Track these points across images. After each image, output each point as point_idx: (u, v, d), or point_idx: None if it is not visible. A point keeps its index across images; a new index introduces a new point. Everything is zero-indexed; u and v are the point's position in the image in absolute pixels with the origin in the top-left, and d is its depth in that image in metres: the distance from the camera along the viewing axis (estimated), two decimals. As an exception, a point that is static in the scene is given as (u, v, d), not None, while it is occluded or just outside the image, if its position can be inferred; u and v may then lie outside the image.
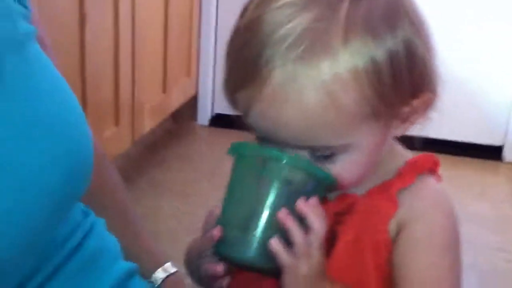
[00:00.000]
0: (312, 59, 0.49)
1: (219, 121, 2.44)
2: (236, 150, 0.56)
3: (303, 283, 0.53)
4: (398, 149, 0.61)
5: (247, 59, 0.52)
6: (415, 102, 0.55)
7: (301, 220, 0.53)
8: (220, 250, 0.55)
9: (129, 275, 0.64)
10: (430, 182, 0.59)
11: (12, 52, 0.49)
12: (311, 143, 0.52)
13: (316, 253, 0.53)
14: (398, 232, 0.56)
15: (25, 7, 0.56)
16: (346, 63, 0.50)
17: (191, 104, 2.43)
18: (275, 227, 0.52)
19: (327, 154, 0.53)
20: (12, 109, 0.47)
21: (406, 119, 0.56)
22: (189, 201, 1.71)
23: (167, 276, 0.81)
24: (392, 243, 0.56)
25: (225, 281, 0.57)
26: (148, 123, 1.83)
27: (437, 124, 2.16)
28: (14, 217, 0.46)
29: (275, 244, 0.52)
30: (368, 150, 0.54)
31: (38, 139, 0.49)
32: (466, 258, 1.54)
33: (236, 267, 0.56)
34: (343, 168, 0.54)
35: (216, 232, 0.54)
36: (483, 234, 1.70)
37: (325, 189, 0.55)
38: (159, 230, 1.50)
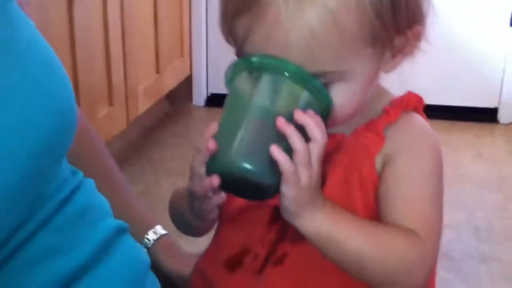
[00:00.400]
0: None
1: (214, 100, 2.45)
2: (236, 66, 0.54)
3: (302, 194, 0.52)
4: (384, 89, 0.62)
5: None
6: (408, 33, 0.56)
7: (300, 132, 0.51)
8: (214, 165, 0.52)
9: (119, 232, 0.65)
10: (415, 117, 0.60)
11: None
12: (311, 68, 0.52)
13: (316, 164, 0.52)
14: (384, 166, 0.57)
15: None
16: None
17: (186, 85, 2.44)
18: (273, 137, 0.51)
19: (324, 82, 0.53)
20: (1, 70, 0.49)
21: (396, 53, 0.57)
22: (186, 176, 1.73)
23: (159, 238, 0.82)
24: (378, 178, 0.57)
25: (221, 198, 0.55)
26: (142, 104, 1.84)
27: (434, 91, 2.20)
28: None
29: (276, 150, 0.50)
30: (362, 79, 0.55)
31: (23, 95, 0.50)
32: (462, 215, 1.57)
33: (228, 191, 0.54)
34: (338, 98, 0.54)
35: (211, 144, 0.51)
36: (480, 193, 1.72)
37: (322, 113, 0.54)
38: (157, 206, 1.52)
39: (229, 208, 0.62)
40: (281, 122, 0.50)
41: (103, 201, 0.66)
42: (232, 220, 0.63)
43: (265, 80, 0.52)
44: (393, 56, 0.57)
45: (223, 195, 0.55)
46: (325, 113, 0.54)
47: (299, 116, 0.51)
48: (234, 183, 0.52)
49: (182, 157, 1.88)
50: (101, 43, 1.53)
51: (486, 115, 2.34)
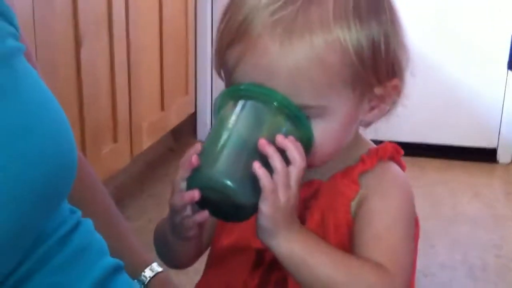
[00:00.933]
0: (304, 32, 0.55)
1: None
2: (224, 95, 0.57)
3: (279, 213, 0.53)
4: (363, 138, 0.66)
5: (240, 17, 0.56)
6: (388, 85, 0.60)
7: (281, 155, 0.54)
8: (196, 179, 0.54)
9: (115, 271, 0.67)
10: (391, 166, 0.64)
11: (1, 65, 0.55)
12: (293, 100, 0.55)
13: (294, 186, 0.54)
14: (358, 208, 0.60)
15: (14, 27, 0.62)
16: (336, 34, 0.55)
17: (191, 121, 2.49)
18: (255, 158, 0.53)
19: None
20: (2, 115, 0.53)
21: (375, 104, 0.61)
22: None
23: (155, 275, 0.84)
24: (352, 221, 0.60)
25: (202, 217, 0.56)
26: (146, 140, 1.88)
27: (433, 130, 2.25)
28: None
29: (258, 165, 0.52)
30: (340, 120, 0.58)
31: (26, 141, 0.54)
32: (457, 255, 1.59)
33: (206, 208, 0.56)
34: (316, 135, 0.57)
35: (194, 160, 0.53)
36: (475, 232, 1.73)
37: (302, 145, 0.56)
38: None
39: (216, 248, 0.65)
40: (263, 143, 0.53)
41: (101, 240, 0.69)
42: (216, 263, 0.66)
43: (251, 107, 0.55)
44: (372, 107, 0.61)
45: (205, 214, 0.56)
46: (305, 145, 0.56)
47: (281, 140, 0.54)
48: (213, 200, 0.54)
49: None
50: (107, 80, 1.58)
51: (485, 155, 2.37)
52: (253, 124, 0.55)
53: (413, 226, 0.62)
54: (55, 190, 0.58)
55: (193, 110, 2.40)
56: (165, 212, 2.03)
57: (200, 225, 0.60)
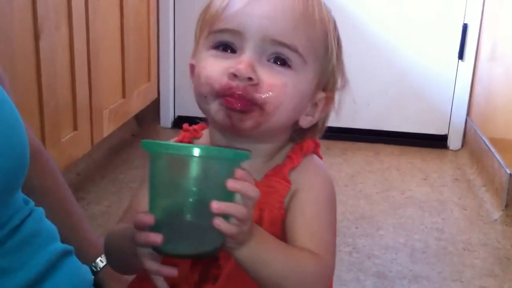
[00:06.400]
0: None
1: (181, 122, 2.53)
2: (149, 148, 0.56)
3: (243, 237, 0.57)
4: (288, 139, 0.73)
5: None
6: (326, 94, 0.69)
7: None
8: (161, 250, 0.56)
9: (64, 254, 0.73)
10: (313, 159, 0.71)
11: None
12: (290, 41, 0.63)
13: (252, 212, 0.57)
14: (289, 201, 0.67)
15: None
16: (327, 19, 0.67)
17: (154, 107, 2.53)
18: (212, 214, 0.54)
19: (280, 60, 0.64)
20: None
21: (309, 113, 0.69)
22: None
23: (105, 265, 0.90)
24: (285, 213, 0.67)
25: (171, 272, 0.58)
26: (107, 127, 1.92)
27: (388, 117, 2.38)
28: None
29: (221, 222, 0.54)
30: (305, 85, 0.66)
31: None
32: (401, 238, 1.68)
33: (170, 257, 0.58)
34: (287, 86, 0.64)
35: (157, 238, 0.54)
36: (420, 215, 1.82)
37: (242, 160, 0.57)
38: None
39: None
40: (217, 206, 0.54)
41: (50, 227, 0.74)
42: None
43: (193, 165, 0.54)
44: (309, 113, 0.69)
45: (174, 272, 0.58)
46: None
47: (231, 186, 0.55)
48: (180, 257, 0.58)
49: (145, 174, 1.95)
50: (66, 69, 1.60)
51: (437, 142, 2.48)
52: (200, 182, 0.55)
53: (335, 209, 0.70)
54: (7, 184, 0.63)
55: (156, 96, 2.44)
56: (125, 197, 2.07)
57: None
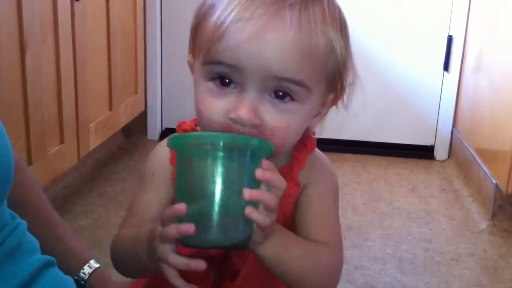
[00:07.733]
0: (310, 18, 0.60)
1: (169, 135, 2.53)
2: (176, 144, 0.58)
3: (270, 230, 0.59)
4: None
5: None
6: (336, 93, 0.68)
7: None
8: (192, 242, 0.56)
9: (46, 265, 0.73)
10: (318, 156, 0.73)
11: None
12: (294, 76, 0.60)
13: (279, 202, 0.58)
14: (298, 197, 0.70)
15: None
16: (332, 33, 0.63)
17: (141, 120, 2.52)
18: (243, 202, 0.55)
19: (283, 92, 0.61)
20: None
21: (318, 113, 0.69)
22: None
23: (93, 271, 0.92)
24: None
25: (199, 265, 0.58)
26: (94, 140, 1.91)
27: (375, 128, 2.39)
28: None
29: (252, 211, 0.55)
30: (309, 111, 0.65)
31: None
32: (389, 248, 1.69)
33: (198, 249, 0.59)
34: (291, 119, 0.62)
35: (190, 228, 0.55)
36: (408, 226, 1.83)
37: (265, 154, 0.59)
38: (104, 238, 1.59)
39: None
40: (248, 194, 0.55)
41: (33, 240, 0.74)
42: None
43: (220, 159, 0.56)
44: (318, 113, 0.69)
45: (202, 264, 0.58)
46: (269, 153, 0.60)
47: (260, 176, 0.56)
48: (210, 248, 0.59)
49: (132, 191, 1.93)
50: (52, 82, 1.59)
51: (424, 152, 2.49)
52: (233, 175, 0.56)
53: (338, 200, 0.73)
54: None
55: (143, 109, 2.44)
56: (112, 210, 2.07)
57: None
